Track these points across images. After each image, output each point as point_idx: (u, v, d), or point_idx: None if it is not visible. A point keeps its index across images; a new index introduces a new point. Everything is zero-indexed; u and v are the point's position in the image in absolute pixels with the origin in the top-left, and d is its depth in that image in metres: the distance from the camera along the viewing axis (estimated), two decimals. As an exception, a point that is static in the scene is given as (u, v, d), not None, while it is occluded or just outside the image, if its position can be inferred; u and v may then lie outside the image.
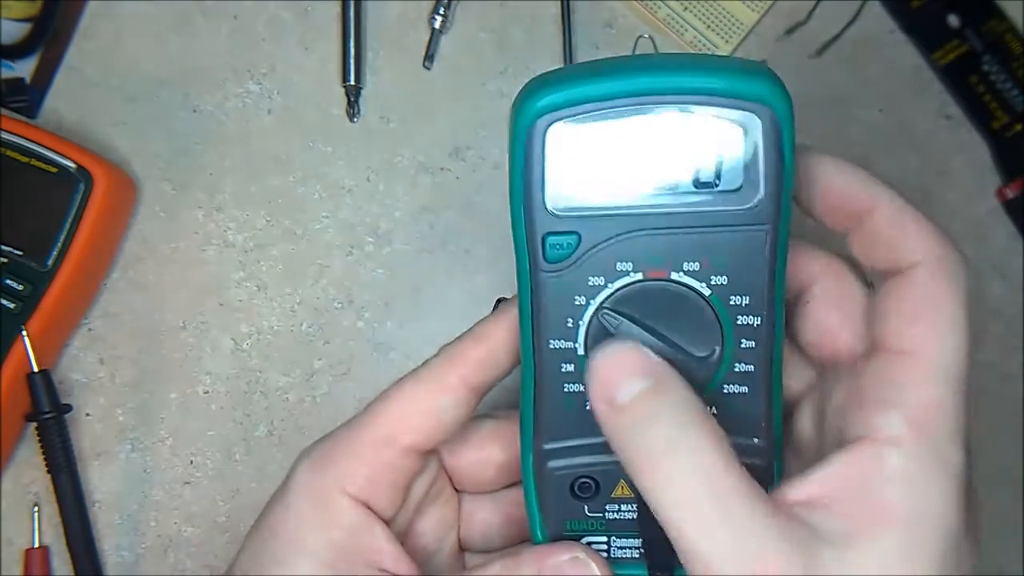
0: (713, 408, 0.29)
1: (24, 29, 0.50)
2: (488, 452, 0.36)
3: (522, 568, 0.30)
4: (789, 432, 0.33)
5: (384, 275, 0.51)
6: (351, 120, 0.51)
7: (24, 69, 0.51)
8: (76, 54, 0.51)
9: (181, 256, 0.51)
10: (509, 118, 0.28)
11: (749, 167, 0.26)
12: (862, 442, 0.27)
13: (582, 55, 0.51)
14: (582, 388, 0.30)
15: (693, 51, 0.51)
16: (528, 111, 0.27)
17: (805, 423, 0.33)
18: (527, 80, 0.28)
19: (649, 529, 0.30)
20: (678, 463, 0.25)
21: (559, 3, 0.52)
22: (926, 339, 0.27)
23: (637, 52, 0.52)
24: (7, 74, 0.50)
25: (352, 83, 0.51)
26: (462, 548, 0.38)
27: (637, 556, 0.32)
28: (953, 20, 0.52)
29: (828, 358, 0.31)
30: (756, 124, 0.26)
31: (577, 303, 0.28)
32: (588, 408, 0.29)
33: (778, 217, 0.27)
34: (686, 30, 0.51)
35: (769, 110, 0.26)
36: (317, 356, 0.50)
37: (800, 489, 0.27)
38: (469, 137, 0.51)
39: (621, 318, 0.28)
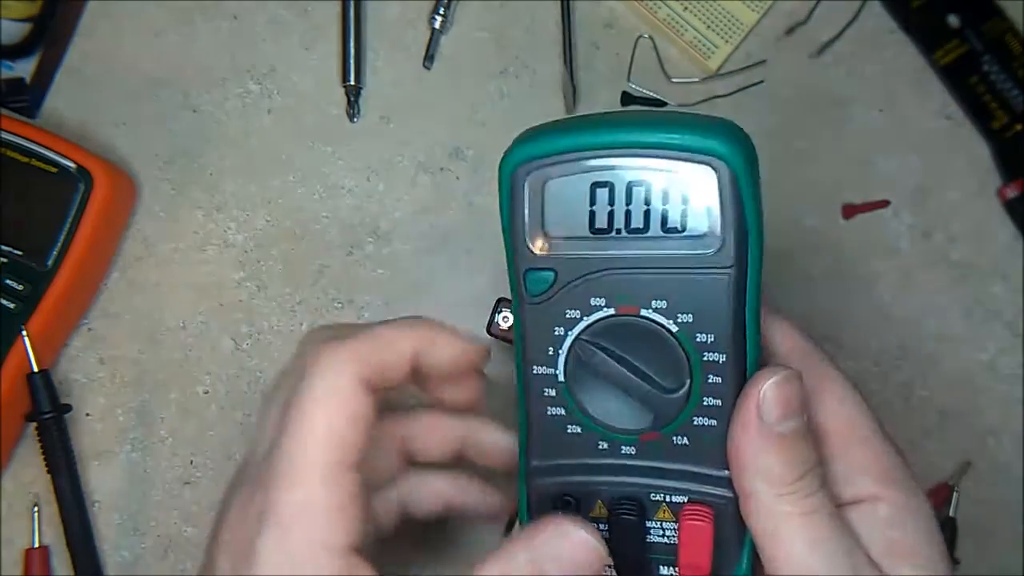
0: (685, 439, 0.31)
1: (24, 29, 0.50)
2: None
3: (516, 557, 0.30)
4: None
5: (384, 275, 0.51)
6: (351, 120, 0.51)
7: (24, 69, 0.51)
8: (76, 54, 0.51)
9: (181, 256, 0.51)
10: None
11: (711, 215, 0.28)
12: (846, 506, 0.31)
13: (582, 55, 0.52)
14: (563, 412, 0.32)
15: (693, 53, 0.51)
16: (509, 161, 0.30)
17: None
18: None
19: (623, 549, 0.32)
20: (806, 498, 0.29)
21: (559, 3, 0.52)
22: (839, 415, 0.32)
23: (637, 53, 0.52)
24: (7, 74, 0.50)
25: (352, 83, 0.51)
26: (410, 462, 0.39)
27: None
28: (953, 20, 0.52)
29: None
30: (714, 177, 0.28)
31: (557, 333, 0.31)
32: (568, 431, 0.32)
33: (742, 262, 0.29)
34: (686, 30, 0.51)
35: (725, 165, 0.28)
36: (317, 356, 0.50)
37: None
38: (469, 137, 0.51)
39: (596, 350, 0.30)
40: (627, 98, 0.51)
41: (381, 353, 0.33)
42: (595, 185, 0.29)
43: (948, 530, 0.49)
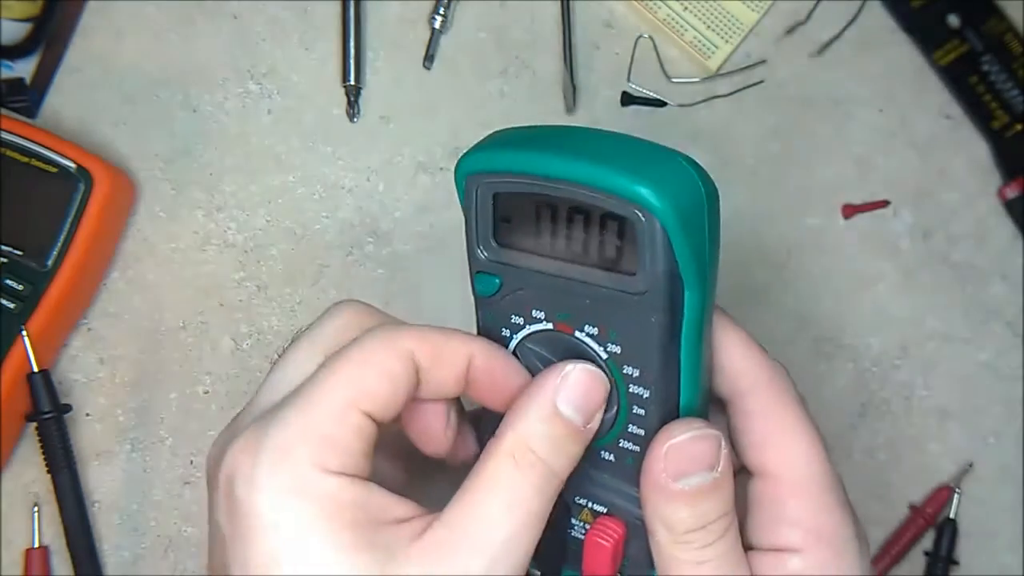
0: (612, 456, 0.31)
1: (24, 29, 0.50)
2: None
3: (528, 413, 0.29)
4: None
5: (384, 275, 0.51)
6: (351, 120, 0.51)
7: (24, 69, 0.51)
8: (76, 54, 0.51)
9: (181, 256, 0.51)
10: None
11: (641, 259, 0.27)
12: (765, 552, 0.30)
13: (582, 55, 0.52)
14: None
15: (693, 53, 0.51)
16: (460, 168, 0.31)
17: None
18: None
19: (542, 543, 0.32)
20: (702, 548, 0.29)
21: (559, 3, 0.52)
22: (786, 460, 0.31)
23: (637, 53, 0.52)
24: (7, 74, 0.50)
25: (352, 83, 0.51)
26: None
27: None
28: (953, 20, 0.52)
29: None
30: (642, 223, 0.27)
31: (504, 334, 0.31)
32: None
33: (675, 309, 0.28)
34: (686, 30, 0.51)
35: (651, 215, 0.27)
36: (317, 356, 0.50)
37: None
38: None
39: (535, 359, 0.31)
40: (627, 98, 0.51)
41: (439, 350, 0.30)
42: (539, 205, 0.29)
43: (949, 531, 0.49)
